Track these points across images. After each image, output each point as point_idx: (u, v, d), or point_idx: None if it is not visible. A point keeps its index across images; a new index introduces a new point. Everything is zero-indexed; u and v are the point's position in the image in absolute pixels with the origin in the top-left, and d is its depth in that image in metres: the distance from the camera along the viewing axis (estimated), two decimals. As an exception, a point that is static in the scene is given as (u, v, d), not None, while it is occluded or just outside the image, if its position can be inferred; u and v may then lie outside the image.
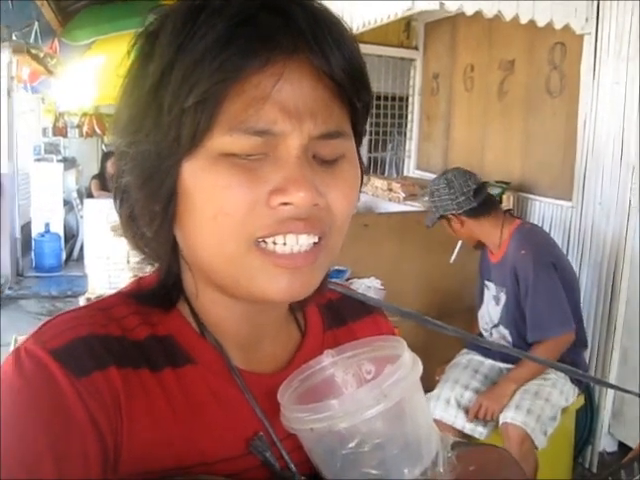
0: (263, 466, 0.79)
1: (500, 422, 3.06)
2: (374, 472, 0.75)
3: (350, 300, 1.04)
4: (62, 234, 9.16)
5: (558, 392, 3.16)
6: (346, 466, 0.76)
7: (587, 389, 3.68)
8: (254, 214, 0.71)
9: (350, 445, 0.74)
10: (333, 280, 0.99)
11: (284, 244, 0.73)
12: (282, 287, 0.74)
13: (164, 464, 0.74)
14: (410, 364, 0.78)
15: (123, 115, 0.77)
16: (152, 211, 0.76)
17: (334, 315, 1.00)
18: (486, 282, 3.49)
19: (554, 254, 3.27)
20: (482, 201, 3.26)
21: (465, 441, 2.97)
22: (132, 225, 0.81)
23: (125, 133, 0.76)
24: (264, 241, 0.73)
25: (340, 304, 1.02)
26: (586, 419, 3.85)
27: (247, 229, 0.72)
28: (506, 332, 3.38)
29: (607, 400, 4.01)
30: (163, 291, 0.84)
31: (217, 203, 0.71)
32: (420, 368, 0.79)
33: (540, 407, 3.04)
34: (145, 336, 0.79)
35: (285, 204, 0.71)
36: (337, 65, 0.72)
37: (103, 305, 0.81)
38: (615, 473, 1.06)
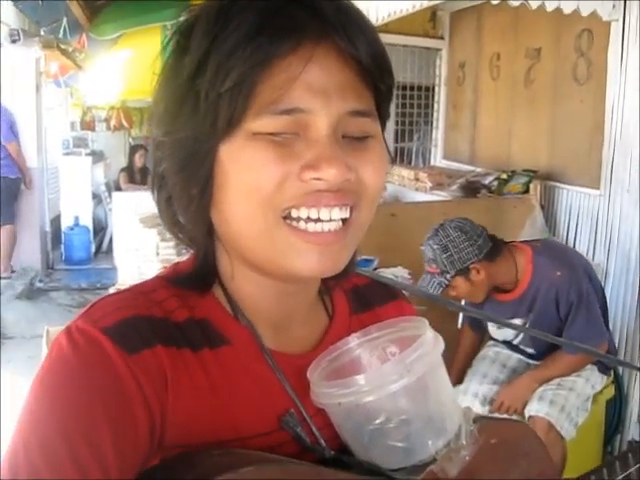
0: (294, 441, 0.82)
1: (526, 416, 3.05)
2: (400, 445, 0.78)
3: (376, 285, 1.07)
4: (91, 227, 9.21)
5: (584, 380, 3.12)
6: (373, 440, 0.78)
7: (617, 379, 3.67)
8: (284, 187, 0.75)
9: (377, 421, 0.77)
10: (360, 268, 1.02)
11: (316, 221, 0.76)
12: (312, 263, 0.78)
13: (203, 438, 0.77)
14: (432, 341, 0.81)
15: (160, 106, 0.82)
16: (189, 195, 0.80)
17: (360, 300, 1.03)
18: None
19: (584, 265, 3.14)
20: (494, 240, 3.07)
21: (487, 415, 2.98)
22: (169, 211, 0.85)
23: (162, 123, 0.81)
24: (296, 219, 0.77)
25: (366, 289, 1.05)
26: (615, 408, 3.83)
27: (276, 201, 0.75)
28: (525, 349, 3.36)
29: (636, 389, 3.99)
30: (199, 275, 0.87)
31: (251, 178, 0.75)
32: (442, 345, 0.82)
33: (564, 397, 3.02)
34: (184, 318, 0.82)
35: (316, 179, 0.75)
36: (363, 49, 0.76)
37: (144, 289, 0.85)
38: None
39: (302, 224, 0.77)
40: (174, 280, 0.87)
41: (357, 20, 0.78)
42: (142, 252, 4.30)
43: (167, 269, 0.91)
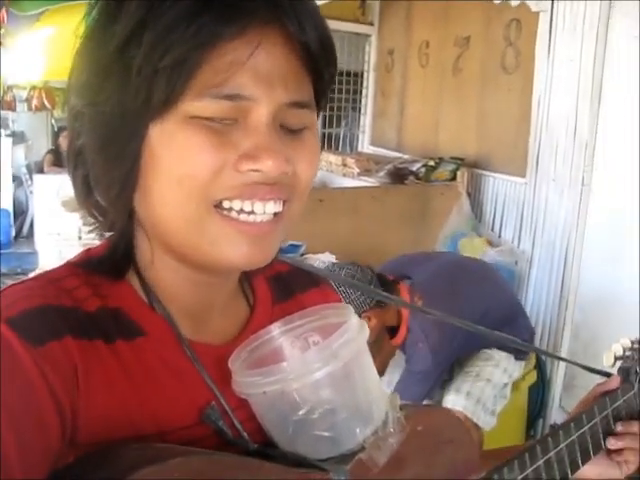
0: (216, 435, 0.78)
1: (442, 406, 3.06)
2: (326, 434, 0.75)
3: (298, 272, 1.05)
4: (11, 210, 9.02)
5: (501, 371, 3.14)
6: (298, 431, 0.76)
7: (539, 365, 3.74)
8: (220, 177, 0.71)
9: (301, 412, 0.74)
10: (288, 255, 0.99)
11: (249, 213, 0.74)
12: (242, 252, 0.75)
13: (121, 434, 0.72)
14: (357, 327, 0.79)
15: (81, 74, 0.75)
16: (111, 176, 0.74)
17: (283, 288, 1.00)
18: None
19: (448, 333, 2.95)
20: (383, 282, 2.95)
21: (412, 403, 2.99)
22: (86, 190, 0.79)
23: (83, 92, 0.74)
24: (229, 208, 0.73)
25: (289, 276, 1.02)
26: (538, 394, 3.91)
27: (210, 191, 0.72)
28: None
29: (558, 374, 4.08)
30: (113, 261, 0.81)
31: (184, 165, 0.71)
32: (367, 332, 0.80)
33: (480, 389, 3.04)
34: (96, 308, 0.77)
35: (254, 170, 0.71)
36: (312, 35, 0.73)
37: (53, 276, 0.79)
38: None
39: (234, 214, 0.73)
40: (86, 266, 0.81)
41: (306, 3, 0.74)
42: (64, 236, 4.22)
43: (78, 255, 0.85)
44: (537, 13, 4.11)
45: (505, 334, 1.49)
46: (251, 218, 0.74)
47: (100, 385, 0.72)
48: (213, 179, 0.71)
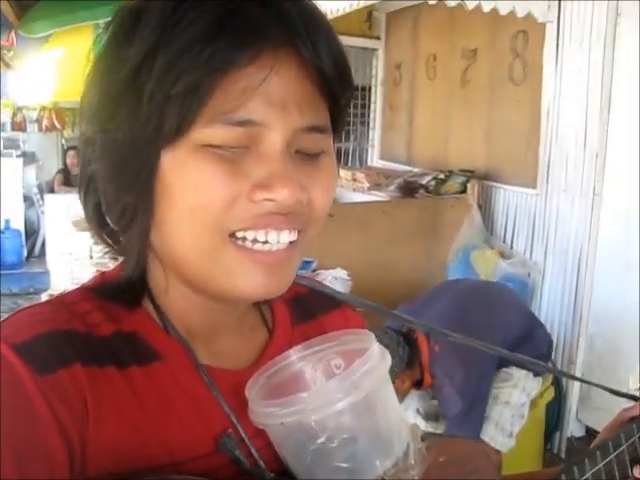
0: (232, 464, 0.77)
1: None
2: (345, 465, 0.74)
3: (318, 293, 1.02)
4: (23, 230, 9.03)
5: (519, 391, 3.05)
6: (317, 460, 0.74)
7: (556, 378, 3.70)
8: (233, 207, 0.70)
9: (319, 441, 0.73)
10: (301, 272, 0.97)
11: (264, 242, 0.72)
12: (258, 282, 0.73)
13: (134, 464, 0.71)
14: (379, 356, 0.77)
15: (93, 99, 0.74)
16: (124, 203, 0.73)
17: (302, 309, 0.98)
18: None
19: (473, 372, 2.91)
20: (409, 341, 2.91)
21: (435, 432, 2.96)
22: (98, 217, 0.78)
23: (94, 119, 0.73)
24: (243, 238, 0.72)
25: (308, 297, 1.00)
26: (555, 407, 3.88)
27: (224, 222, 0.70)
28: None
29: (575, 387, 4.05)
30: (128, 286, 0.80)
31: (197, 196, 0.69)
32: (389, 360, 0.78)
33: (499, 412, 2.95)
34: (111, 332, 0.76)
35: (268, 200, 0.70)
36: (327, 59, 0.71)
37: (66, 300, 0.78)
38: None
39: (248, 244, 0.72)
40: (100, 291, 0.80)
41: (321, 25, 0.72)
42: (75, 256, 4.22)
43: (92, 279, 0.84)
44: (543, 24, 4.11)
45: (526, 353, 1.46)
46: (266, 247, 0.72)
47: (111, 413, 0.71)
48: (226, 210, 0.69)
